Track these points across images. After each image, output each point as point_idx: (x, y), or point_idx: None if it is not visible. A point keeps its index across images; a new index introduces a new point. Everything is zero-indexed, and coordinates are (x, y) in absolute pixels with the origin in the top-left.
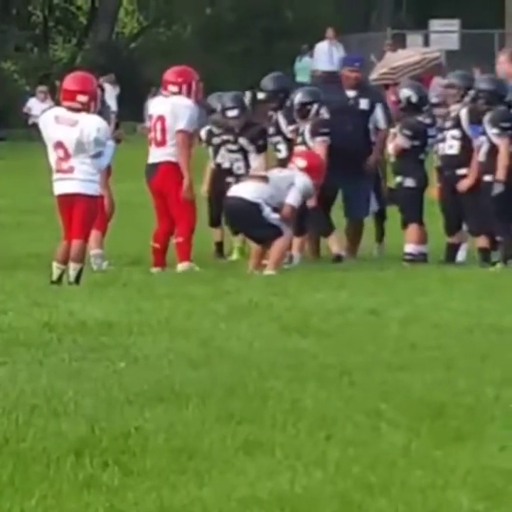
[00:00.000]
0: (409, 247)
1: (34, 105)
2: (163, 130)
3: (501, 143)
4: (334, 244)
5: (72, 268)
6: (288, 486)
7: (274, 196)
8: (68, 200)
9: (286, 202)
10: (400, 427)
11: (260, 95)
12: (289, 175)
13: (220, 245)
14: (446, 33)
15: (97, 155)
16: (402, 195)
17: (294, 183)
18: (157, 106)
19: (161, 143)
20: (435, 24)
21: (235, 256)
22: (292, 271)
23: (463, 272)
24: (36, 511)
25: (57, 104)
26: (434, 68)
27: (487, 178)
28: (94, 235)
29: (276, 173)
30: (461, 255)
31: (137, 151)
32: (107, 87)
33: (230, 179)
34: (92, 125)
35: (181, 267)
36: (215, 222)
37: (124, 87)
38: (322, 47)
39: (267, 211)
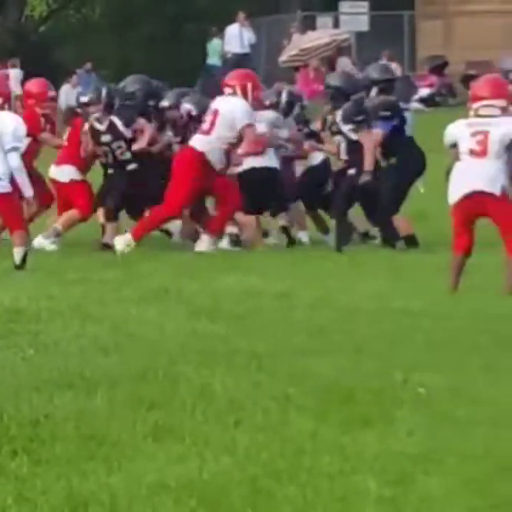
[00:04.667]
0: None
1: None
2: (213, 123)
3: (362, 136)
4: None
5: (16, 252)
6: (196, 472)
7: None
8: None
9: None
10: (309, 412)
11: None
12: None
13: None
14: (355, 15)
15: (11, 150)
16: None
17: None
18: (217, 102)
19: (207, 132)
20: (345, 6)
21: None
22: (202, 254)
23: (373, 255)
24: None
25: None
26: (344, 49)
27: (351, 171)
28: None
29: None
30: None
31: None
32: (12, 72)
33: None
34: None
35: (204, 238)
36: None
37: (34, 70)
38: (232, 30)
39: None
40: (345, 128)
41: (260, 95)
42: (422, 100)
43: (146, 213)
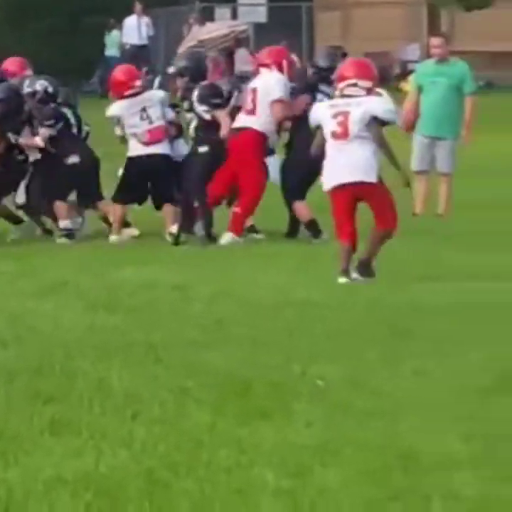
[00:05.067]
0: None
1: None
2: (254, 101)
3: (218, 116)
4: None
5: None
6: (93, 466)
7: None
8: None
9: None
10: (206, 404)
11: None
12: None
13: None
14: (253, 6)
15: None
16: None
17: None
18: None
19: (251, 112)
20: None
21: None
22: (99, 247)
23: (276, 247)
24: None
25: None
26: (242, 40)
27: (201, 149)
28: None
29: None
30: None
31: None
32: None
33: None
34: None
35: (227, 236)
36: None
37: None
38: (130, 21)
39: None
40: (200, 108)
41: (294, 73)
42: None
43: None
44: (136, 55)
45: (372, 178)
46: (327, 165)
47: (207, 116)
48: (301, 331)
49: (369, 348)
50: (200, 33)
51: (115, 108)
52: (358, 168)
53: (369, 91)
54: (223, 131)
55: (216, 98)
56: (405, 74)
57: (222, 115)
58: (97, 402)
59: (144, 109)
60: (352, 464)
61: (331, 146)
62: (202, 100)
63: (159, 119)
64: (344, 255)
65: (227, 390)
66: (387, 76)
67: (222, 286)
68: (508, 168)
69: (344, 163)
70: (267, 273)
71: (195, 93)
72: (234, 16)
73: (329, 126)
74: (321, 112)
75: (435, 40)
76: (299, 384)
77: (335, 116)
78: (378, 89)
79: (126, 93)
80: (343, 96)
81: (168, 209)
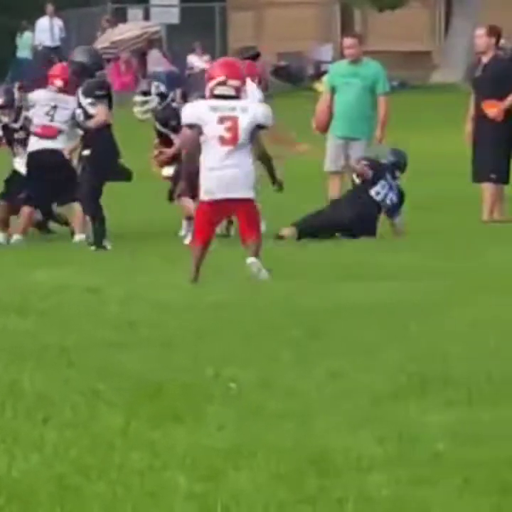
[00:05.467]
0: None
1: None
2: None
3: (97, 109)
4: None
5: None
6: (5, 470)
7: None
8: None
9: None
10: (118, 407)
11: None
12: None
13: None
14: (166, 7)
15: None
16: None
17: None
18: None
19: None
20: None
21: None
22: (9, 249)
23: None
24: None
25: None
26: (155, 41)
27: (85, 152)
28: None
29: None
30: None
31: None
32: None
33: None
34: None
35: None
36: None
37: None
38: (43, 23)
39: None
40: (85, 101)
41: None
42: None
43: None
44: (48, 57)
45: (250, 194)
46: (209, 173)
47: (91, 110)
48: (214, 333)
49: (282, 350)
50: (113, 35)
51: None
52: (240, 184)
53: (237, 90)
54: (93, 122)
55: (100, 90)
56: (319, 74)
57: (100, 107)
58: (8, 405)
59: (54, 107)
60: (264, 467)
61: (217, 151)
62: (86, 93)
63: (62, 124)
64: (197, 258)
65: (139, 392)
66: (301, 76)
67: (134, 288)
68: (423, 167)
69: (230, 175)
70: (178, 275)
71: (80, 88)
72: (146, 16)
73: (215, 131)
74: (202, 113)
75: (348, 41)
76: (212, 386)
77: (221, 120)
78: (246, 87)
79: (50, 86)
80: (215, 96)
81: (25, 209)
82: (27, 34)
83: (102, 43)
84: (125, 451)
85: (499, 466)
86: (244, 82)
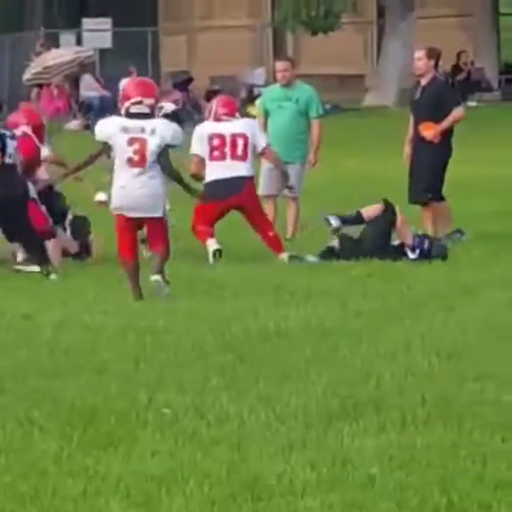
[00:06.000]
0: None
1: None
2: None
3: None
4: None
5: None
6: None
7: None
8: None
9: None
10: (52, 434)
11: None
12: None
13: None
14: (98, 32)
15: None
16: None
17: None
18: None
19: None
20: (88, 23)
21: None
22: None
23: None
24: None
25: None
26: (88, 66)
27: None
28: None
29: None
30: None
31: None
32: None
33: None
34: None
35: (284, 255)
36: None
37: None
38: None
39: None
40: None
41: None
42: (166, 116)
43: None
44: None
45: (159, 213)
46: (119, 193)
47: None
48: (147, 358)
49: (215, 376)
50: (46, 59)
51: None
52: (148, 204)
53: (151, 107)
54: None
55: None
56: (252, 98)
57: None
58: None
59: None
60: (197, 493)
61: (125, 172)
62: None
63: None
64: (133, 275)
65: (73, 419)
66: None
67: (67, 314)
68: (358, 190)
69: (138, 194)
70: (109, 299)
71: None
72: (79, 41)
73: (124, 153)
74: (113, 133)
75: (280, 64)
76: (145, 412)
77: (130, 142)
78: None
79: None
80: (129, 115)
81: None
82: None
83: (34, 68)
84: (59, 477)
85: (432, 489)
86: (157, 100)
